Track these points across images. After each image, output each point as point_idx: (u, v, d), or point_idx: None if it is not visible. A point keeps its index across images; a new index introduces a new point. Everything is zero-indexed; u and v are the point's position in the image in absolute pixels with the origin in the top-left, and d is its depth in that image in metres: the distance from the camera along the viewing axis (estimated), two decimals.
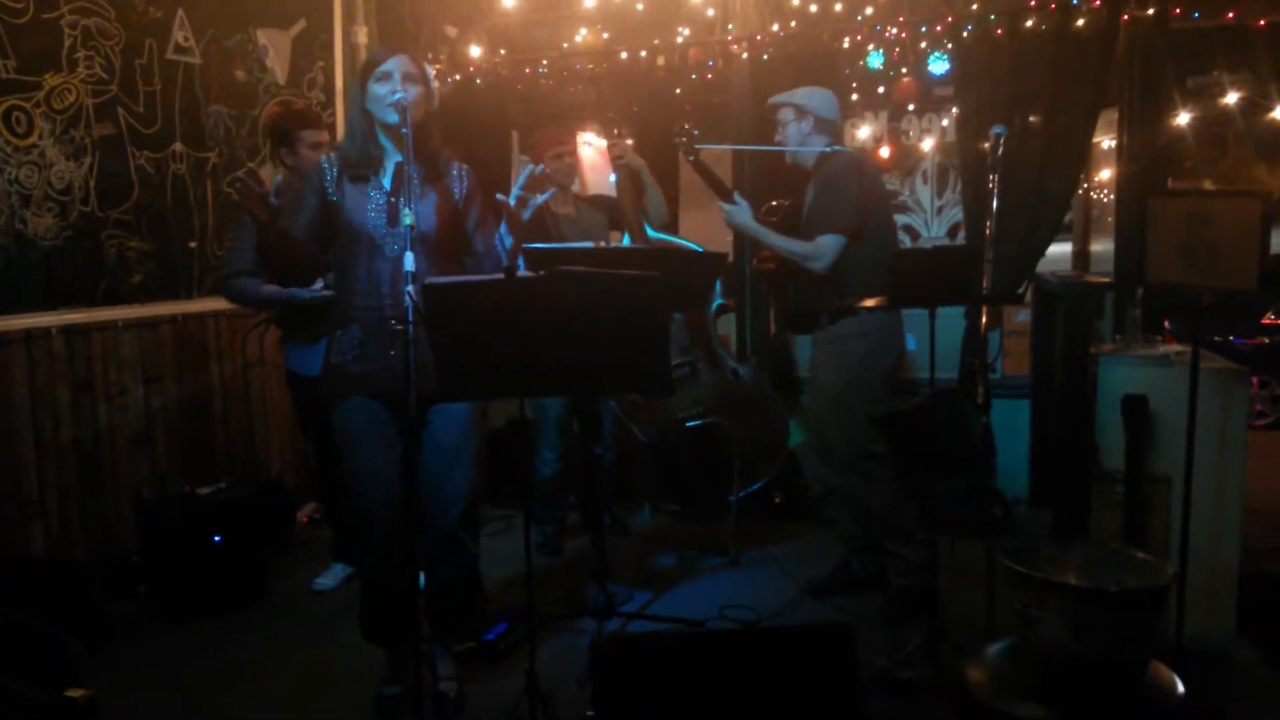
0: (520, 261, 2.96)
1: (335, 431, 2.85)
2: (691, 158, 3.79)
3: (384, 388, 2.72)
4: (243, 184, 2.61)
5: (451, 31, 5.59)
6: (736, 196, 3.69)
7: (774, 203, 4.05)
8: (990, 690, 2.27)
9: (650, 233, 4.30)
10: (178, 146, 4.31)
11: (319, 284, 3.51)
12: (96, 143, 3.94)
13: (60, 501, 3.80)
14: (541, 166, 2.76)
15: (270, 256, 2.85)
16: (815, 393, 3.72)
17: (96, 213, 3.95)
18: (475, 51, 5.43)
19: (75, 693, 1.95)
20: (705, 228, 5.92)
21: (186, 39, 4.33)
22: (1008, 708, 2.20)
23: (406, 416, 2.38)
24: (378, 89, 2.68)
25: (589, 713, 2.60)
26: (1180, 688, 2.19)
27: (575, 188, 4.42)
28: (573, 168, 4.30)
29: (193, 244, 4.40)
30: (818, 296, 3.59)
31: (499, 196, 2.81)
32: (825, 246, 3.45)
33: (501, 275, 2.45)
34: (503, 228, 2.85)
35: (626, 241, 4.29)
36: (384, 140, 2.76)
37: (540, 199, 2.81)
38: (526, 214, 2.75)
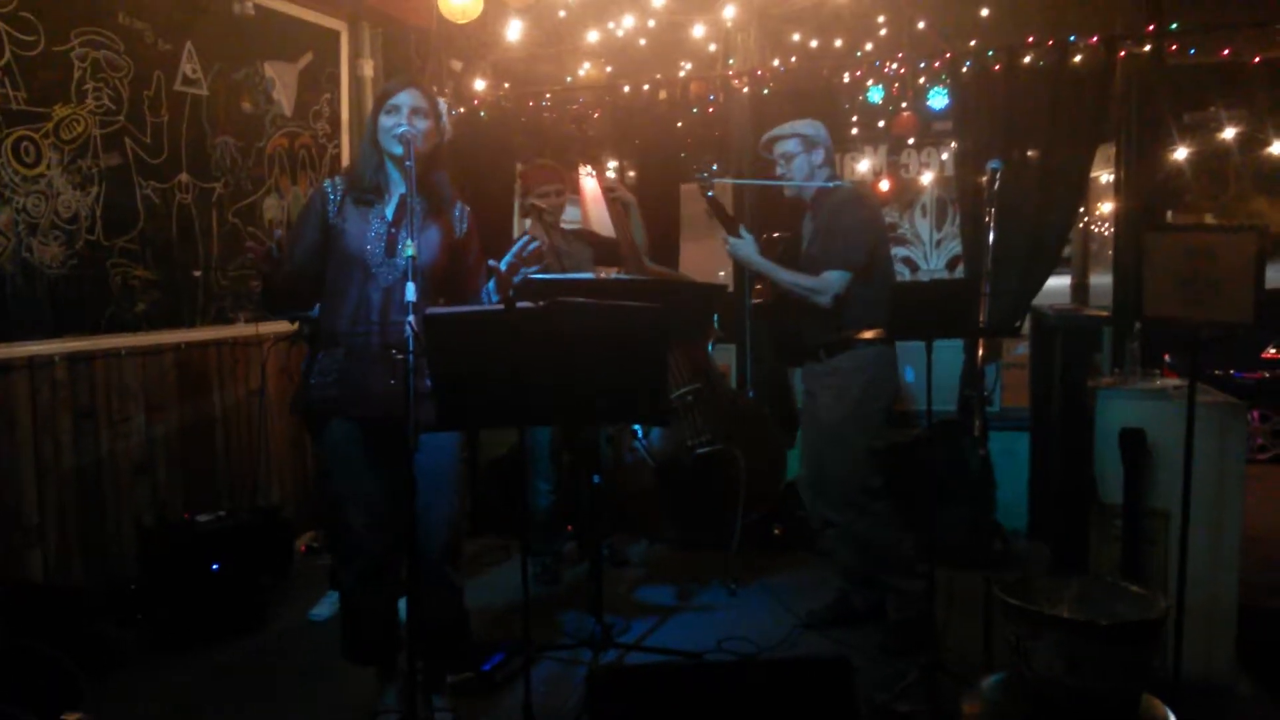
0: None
1: (320, 456, 2.88)
2: (710, 193, 3.78)
3: (363, 413, 2.74)
4: (258, 252, 2.69)
5: (457, 65, 5.67)
6: (742, 230, 3.68)
7: (774, 235, 4.07)
8: None
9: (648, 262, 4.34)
10: (184, 177, 4.35)
11: None
12: (104, 173, 3.98)
13: (60, 528, 3.80)
14: (537, 242, 2.79)
15: (275, 295, 2.89)
16: (814, 426, 3.71)
17: (102, 241, 3.98)
18: (479, 85, 5.49)
19: (71, 717, 1.95)
20: (705, 260, 5.97)
21: (194, 71, 4.39)
22: None
23: (394, 445, 2.39)
24: (386, 121, 2.72)
25: None
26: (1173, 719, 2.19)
27: (577, 220, 4.47)
28: (560, 205, 4.36)
29: (197, 273, 4.43)
30: (814, 330, 3.59)
31: (490, 262, 2.86)
32: (832, 282, 3.45)
33: (502, 306, 2.47)
34: (491, 285, 2.87)
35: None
36: (391, 171, 2.80)
37: (529, 271, 2.84)
38: (516, 279, 2.79)
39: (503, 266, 2.75)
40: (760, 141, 3.76)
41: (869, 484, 3.49)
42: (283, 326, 4.67)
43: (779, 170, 3.71)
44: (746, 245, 3.64)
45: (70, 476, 3.84)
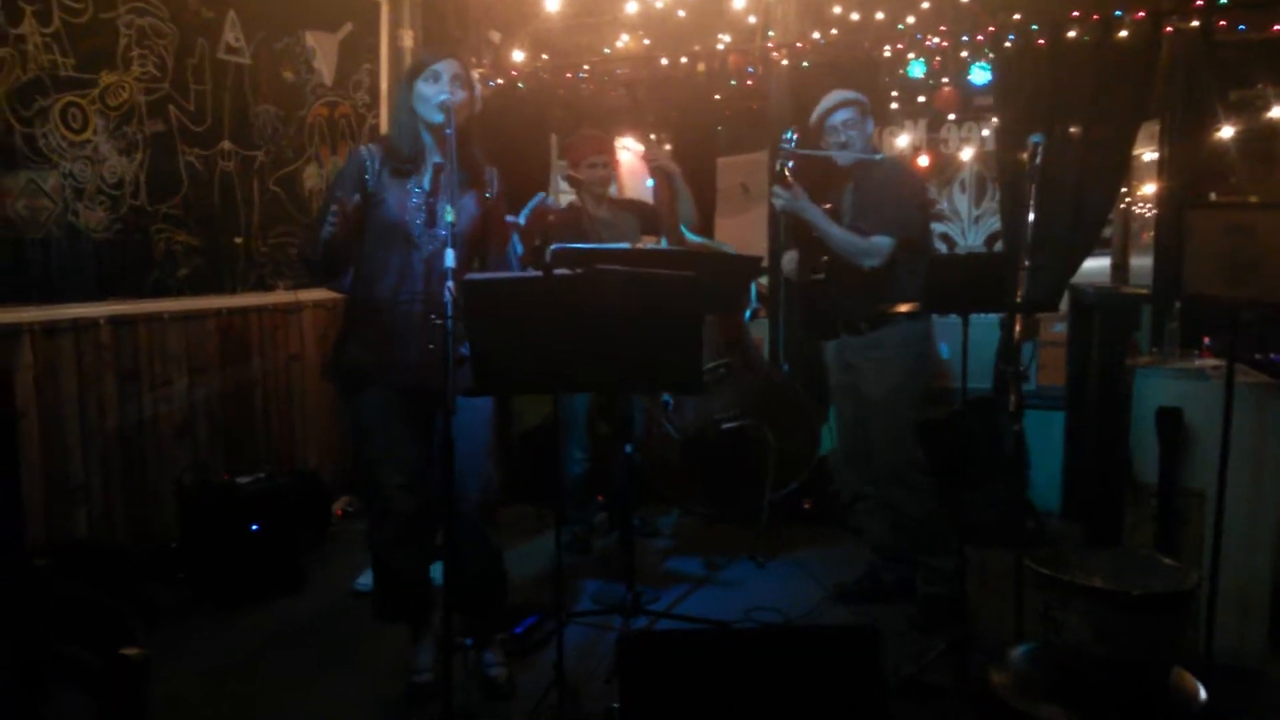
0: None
1: (352, 421, 2.92)
2: (790, 164, 3.64)
3: (404, 381, 2.77)
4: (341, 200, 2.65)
5: (495, 36, 5.67)
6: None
7: (825, 206, 4.03)
8: (1012, 691, 2.28)
9: (687, 234, 4.33)
10: (226, 144, 4.40)
11: None
12: (148, 139, 4.04)
13: (104, 488, 3.89)
14: (551, 199, 2.83)
15: (326, 260, 2.83)
16: (852, 400, 3.70)
17: (146, 207, 4.05)
18: (518, 56, 5.50)
19: (130, 651, 2.02)
20: (741, 232, 5.96)
21: (237, 40, 4.43)
22: (1028, 708, 2.21)
23: (431, 410, 2.42)
24: (425, 89, 2.73)
25: (614, 705, 2.64)
26: (1203, 694, 2.19)
27: (613, 191, 4.47)
28: (607, 176, 4.36)
29: (238, 240, 4.49)
30: (857, 302, 3.56)
31: (509, 218, 2.88)
32: (882, 246, 3.43)
33: (540, 273, 2.50)
34: (515, 238, 2.92)
35: (663, 244, 4.34)
36: (427, 139, 2.81)
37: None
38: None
39: (522, 220, 2.78)
40: (816, 113, 3.68)
41: (914, 457, 3.47)
42: (321, 294, 4.74)
43: (838, 139, 3.61)
44: (786, 195, 3.55)
45: (114, 437, 3.92)
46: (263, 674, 3.26)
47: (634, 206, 4.51)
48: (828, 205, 3.63)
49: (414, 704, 2.98)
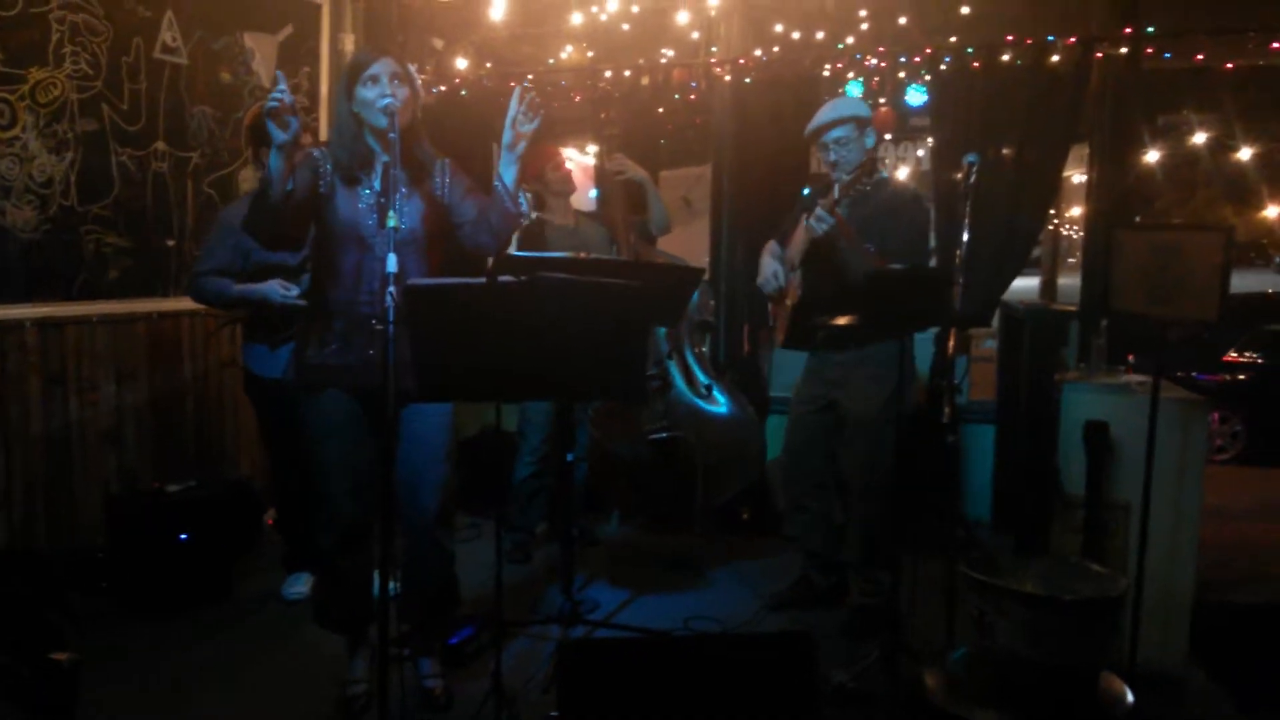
0: (523, 198, 2.94)
1: (303, 423, 2.85)
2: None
3: (362, 382, 2.74)
4: (279, 104, 2.42)
5: (438, 43, 5.66)
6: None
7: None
8: (946, 696, 2.32)
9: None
10: (160, 145, 4.32)
11: (293, 290, 3.49)
12: (79, 138, 3.95)
13: (26, 494, 3.78)
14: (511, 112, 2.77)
15: (270, 203, 2.60)
16: (834, 416, 3.65)
17: (76, 207, 3.95)
18: (461, 64, 5.48)
19: (60, 656, 1.96)
20: (682, 245, 5.99)
21: (174, 39, 4.36)
22: (963, 712, 2.25)
23: (383, 414, 2.40)
24: (366, 93, 2.68)
25: (553, 713, 2.62)
26: (1130, 697, 2.25)
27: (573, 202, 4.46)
28: (569, 177, 4.35)
29: (171, 242, 4.41)
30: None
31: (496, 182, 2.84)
32: None
33: (483, 279, 2.49)
34: (502, 162, 2.85)
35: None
36: (372, 142, 2.78)
37: (529, 125, 2.80)
38: (520, 146, 2.78)
39: (506, 138, 2.75)
40: (811, 125, 3.56)
41: (890, 475, 3.49)
42: None
43: (829, 157, 3.52)
44: (830, 220, 3.36)
45: (38, 443, 3.82)
46: (191, 685, 3.18)
47: (599, 217, 4.51)
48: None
49: (348, 715, 2.94)
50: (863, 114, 3.52)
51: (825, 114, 3.54)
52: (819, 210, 3.38)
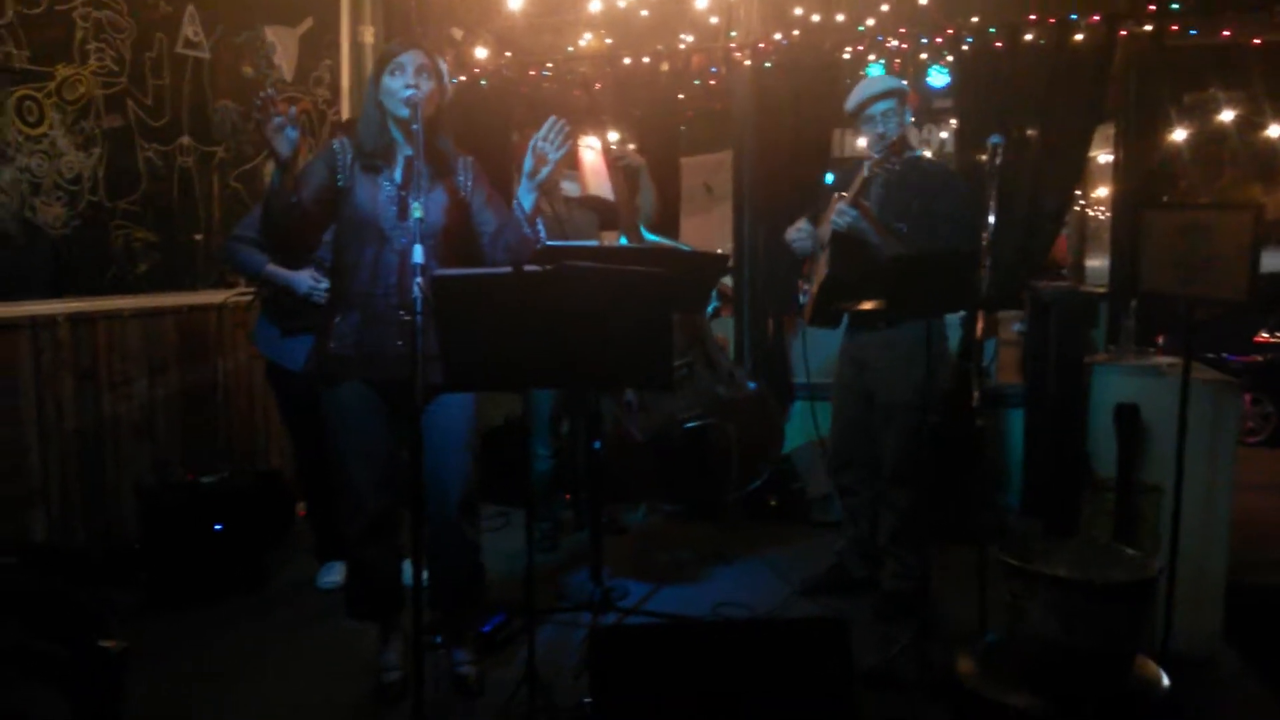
0: (541, 227, 2.97)
1: (324, 415, 2.88)
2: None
3: (381, 374, 2.76)
4: (264, 100, 2.47)
5: (458, 33, 5.65)
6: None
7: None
8: (979, 680, 2.32)
9: (645, 235, 4.35)
10: (185, 140, 4.35)
11: (323, 284, 3.49)
12: (106, 134, 3.98)
13: (62, 488, 3.83)
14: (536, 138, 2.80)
15: (275, 213, 2.69)
16: (861, 397, 3.64)
17: (104, 203, 3.99)
18: (481, 53, 5.48)
19: (109, 643, 1.98)
20: (704, 231, 5.99)
21: (196, 34, 4.38)
22: (996, 696, 2.25)
23: (408, 406, 2.42)
24: (391, 82, 2.70)
25: (585, 699, 2.65)
26: (1165, 681, 2.24)
27: (575, 191, 4.46)
28: (555, 172, 4.35)
29: (198, 236, 4.44)
30: (858, 298, 3.47)
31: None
32: None
33: (509, 269, 2.49)
34: (522, 189, 2.87)
35: (623, 242, 4.35)
36: (395, 133, 2.79)
37: (557, 153, 2.82)
38: (543, 173, 2.80)
39: (527, 165, 2.77)
40: (854, 100, 3.54)
41: (922, 460, 3.47)
42: None
43: (875, 129, 3.48)
44: (852, 214, 3.38)
45: (72, 437, 3.86)
46: (228, 674, 3.22)
47: (591, 202, 4.52)
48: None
49: (383, 702, 2.97)
50: (904, 88, 3.51)
51: (867, 89, 3.53)
52: (840, 205, 3.38)
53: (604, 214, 4.42)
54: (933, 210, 3.41)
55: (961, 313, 3.76)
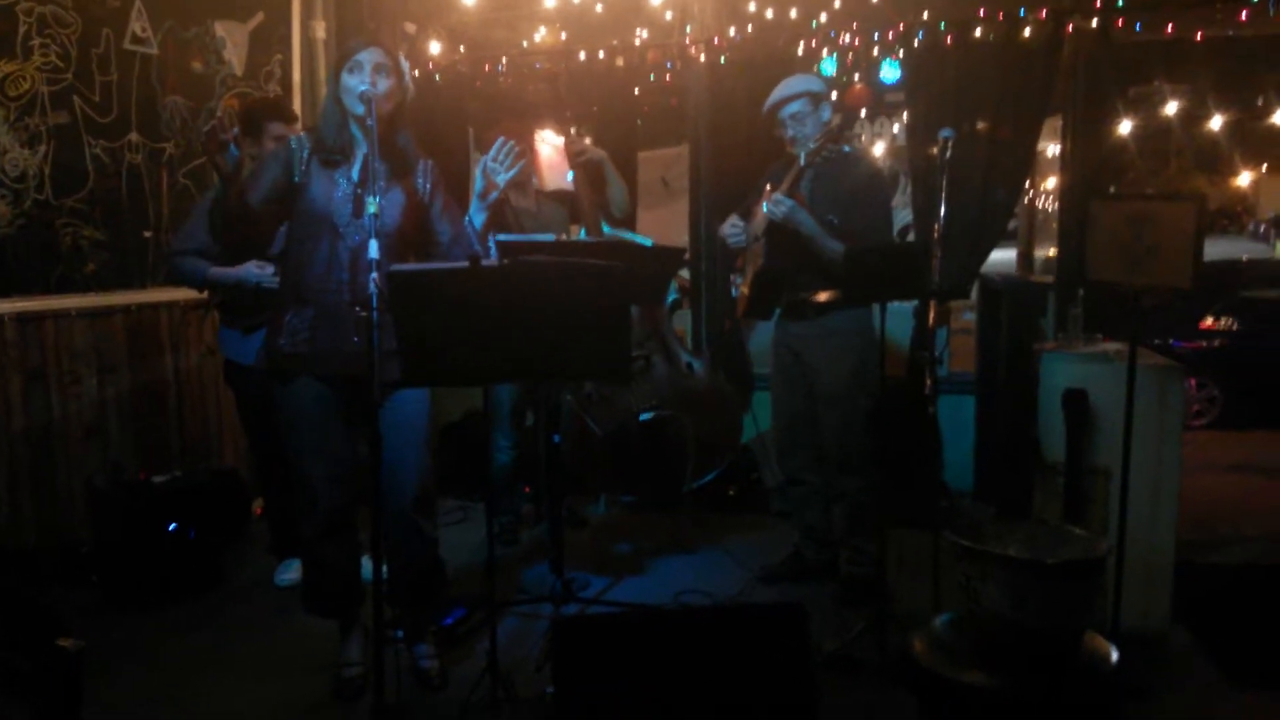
0: (492, 243, 2.99)
1: (279, 410, 2.87)
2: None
3: (334, 370, 2.76)
4: (211, 129, 2.65)
5: (411, 28, 5.61)
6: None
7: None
8: (935, 659, 2.37)
9: (605, 229, 4.36)
10: (134, 136, 4.29)
11: (269, 269, 3.49)
12: (52, 131, 3.91)
13: (10, 490, 3.76)
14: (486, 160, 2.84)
15: (226, 221, 2.81)
16: (799, 388, 3.69)
17: (51, 201, 3.92)
18: (434, 48, 5.45)
19: (65, 642, 1.96)
20: (661, 225, 6.00)
21: (144, 29, 4.32)
22: (950, 675, 2.30)
23: (362, 402, 2.43)
24: (349, 80, 2.69)
25: (548, 689, 2.66)
26: (1115, 656, 2.30)
27: (534, 184, 4.47)
28: (527, 165, 4.36)
29: (147, 234, 4.38)
30: (808, 289, 3.55)
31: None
32: None
33: (466, 263, 2.50)
34: (473, 208, 2.91)
35: (583, 235, 4.36)
36: (355, 131, 2.78)
37: (507, 175, 2.87)
38: (493, 195, 2.83)
39: (478, 186, 2.80)
40: (768, 102, 3.62)
41: (867, 446, 3.53)
42: None
43: (787, 132, 3.57)
44: (790, 204, 3.45)
45: (20, 438, 3.80)
46: (185, 674, 3.19)
47: (561, 197, 4.52)
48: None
49: (343, 699, 2.96)
50: (815, 89, 3.58)
51: (779, 91, 3.60)
52: (776, 195, 3.45)
53: (573, 207, 4.42)
54: (849, 210, 3.49)
55: (914, 302, 3.82)
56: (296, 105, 5.18)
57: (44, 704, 1.93)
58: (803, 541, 3.88)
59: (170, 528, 3.76)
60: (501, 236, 3.71)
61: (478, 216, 2.88)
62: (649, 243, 4.42)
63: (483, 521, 3.15)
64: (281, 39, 5.12)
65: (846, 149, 3.62)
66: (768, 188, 3.57)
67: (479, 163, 2.87)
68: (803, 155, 3.49)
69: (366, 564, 3.11)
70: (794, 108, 3.55)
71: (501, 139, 2.85)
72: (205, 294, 3.92)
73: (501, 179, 2.84)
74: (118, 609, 3.67)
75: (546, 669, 2.96)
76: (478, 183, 2.85)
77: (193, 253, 3.63)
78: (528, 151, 4.39)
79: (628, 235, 4.63)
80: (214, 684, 3.13)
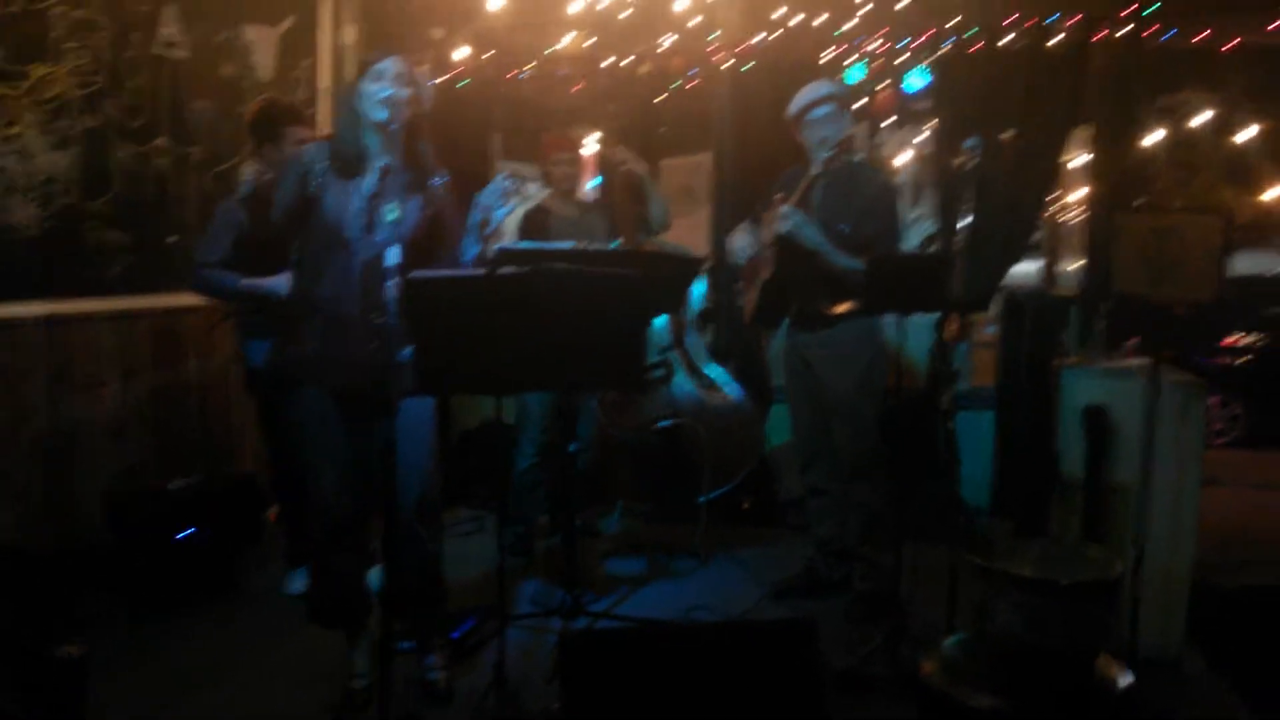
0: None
1: (294, 419, 2.89)
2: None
3: (342, 380, 2.75)
4: None
5: (438, 33, 5.64)
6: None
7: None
8: (946, 680, 2.34)
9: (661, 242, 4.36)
10: (162, 141, 4.33)
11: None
12: (81, 134, 3.95)
13: (30, 492, 3.79)
14: (510, 182, 2.84)
15: (257, 243, 2.84)
16: (811, 398, 3.69)
17: (79, 204, 3.96)
18: (460, 53, 5.48)
19: (70, 647, 1.98)
20: (684, 233, 5.98)
21: (174, 34, 4.36)
22: (962, 697, 2.27)
23: (370, 412, 2.44)
24: (370, 87, 2.70)
25: (555, 706, 2.65)
26: (1127, 679, 2.27)
27: (581, 193, 4.47)
28: (574, 174, 4.36)
29: (174, 238, 4.41)
30: (818, 300, 3.56)
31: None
32: None
33: (484, 270, 2.50)
34: (469, 239, 2.92)
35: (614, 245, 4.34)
36: (371, 141, 2.77)
37: (502, 212, 2.89)
38: (489, 229, 2.85)
39: (474, 220, 2.81)
40: (795, 105, 3.59)
41: (879, 454, 3.51)
42: None
43: (817, 134, 3.52)
44: (798, 218, 3.46)
45: (42, 440, 3.83)
46: (194, 681, 3.20)
47: (602, 207, 4.51)
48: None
49: (350, 709, 2.95)
50: (843, 93, 3.58)
51: (805, 95, 3.57)
52: (783, 208, 3.45)
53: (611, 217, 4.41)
54: (858, 221, 3.48)
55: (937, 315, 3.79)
56: (323, 110, 5.21)
57: (46, 709, 1.94)
58: (817, 556, 3.85)
59: (185, 533, 3.78)
60: (523, 244, 3.74)
61: (472, 249, 2.88)
62: (688, 252, 4.40)
63: (497, 532, 3.15)
64: (310, 44, 5.16)
65: (857, 158, 3.61)
66: (778, 197, 3.56)
67: (495, 180, 2.88)
68: (818, 164, 3.48)
69: (375, 576, 3.13)
70: (821, 111, 3.53)
71: (500, 175, 2.88)
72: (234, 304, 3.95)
73: (498, 215, 2.85)
74: (132, 614, 3.67)
75: (555, 684, 2.95)
76: (474, 215, 2.86)
77: (218, 264, 3.66)
78: (577, 160, 4.39)
79: (668, 245, 4.59)
80: (221, 691, 3.14)
